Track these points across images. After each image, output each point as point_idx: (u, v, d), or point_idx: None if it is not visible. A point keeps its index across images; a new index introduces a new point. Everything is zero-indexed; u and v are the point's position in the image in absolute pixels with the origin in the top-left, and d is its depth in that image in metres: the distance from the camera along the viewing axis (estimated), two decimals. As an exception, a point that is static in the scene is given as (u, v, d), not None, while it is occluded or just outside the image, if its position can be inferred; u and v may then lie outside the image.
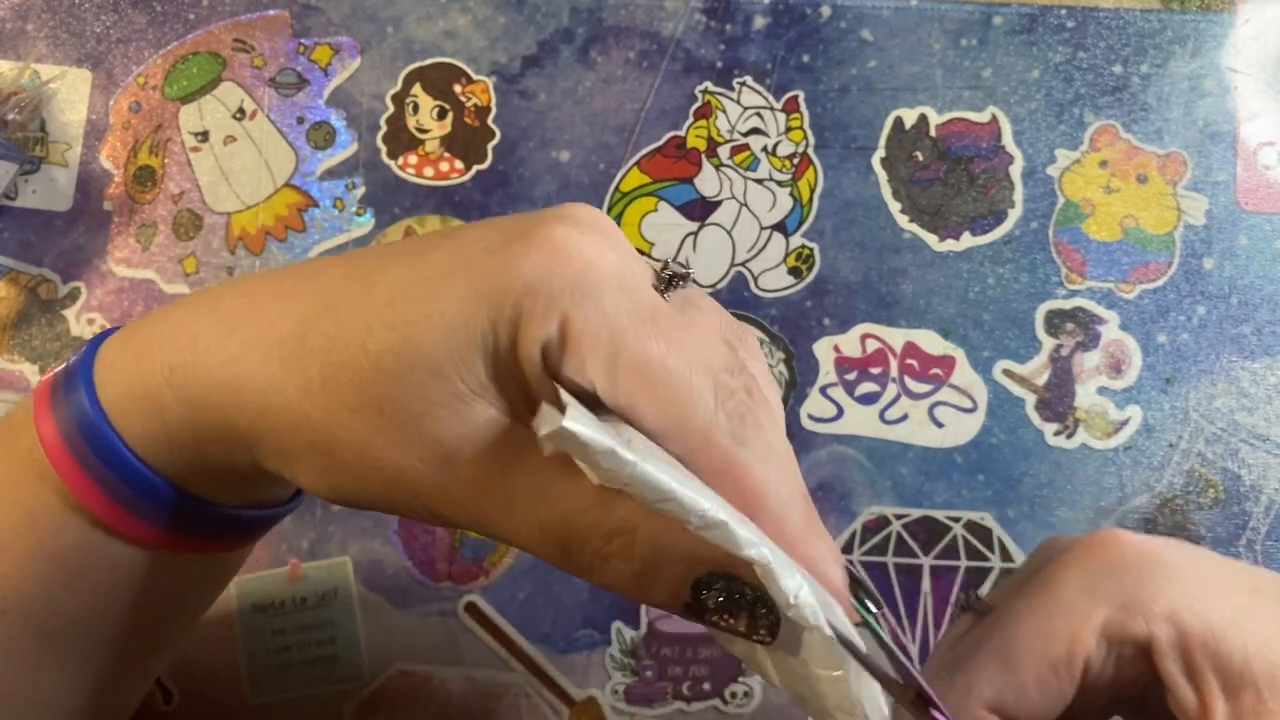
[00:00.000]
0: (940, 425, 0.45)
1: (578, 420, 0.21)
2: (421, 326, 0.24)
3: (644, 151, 0.47)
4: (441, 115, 0.48)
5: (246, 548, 0.31)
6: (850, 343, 0.46)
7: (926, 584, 0.44)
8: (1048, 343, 0.46)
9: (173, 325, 0.26)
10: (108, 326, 0.47)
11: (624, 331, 0.23)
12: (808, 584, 0.22)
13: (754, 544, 0.22)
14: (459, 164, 0.47)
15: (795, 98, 0.47)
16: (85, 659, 0.29)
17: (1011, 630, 0.28)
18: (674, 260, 0.28)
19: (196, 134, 0.48)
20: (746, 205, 0.47)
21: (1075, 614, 0.28)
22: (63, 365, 0.28)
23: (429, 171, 0.47)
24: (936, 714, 0.24)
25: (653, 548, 0.23)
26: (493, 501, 0.24)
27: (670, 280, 0.26)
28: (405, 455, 0.24)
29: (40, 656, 0.28)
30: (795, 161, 0.47)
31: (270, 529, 0.31)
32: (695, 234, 0.47)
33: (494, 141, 0.48)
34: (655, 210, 0.47)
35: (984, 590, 0.44)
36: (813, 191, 0.47)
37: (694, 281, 0.27)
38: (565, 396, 0.23)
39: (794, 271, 0.46)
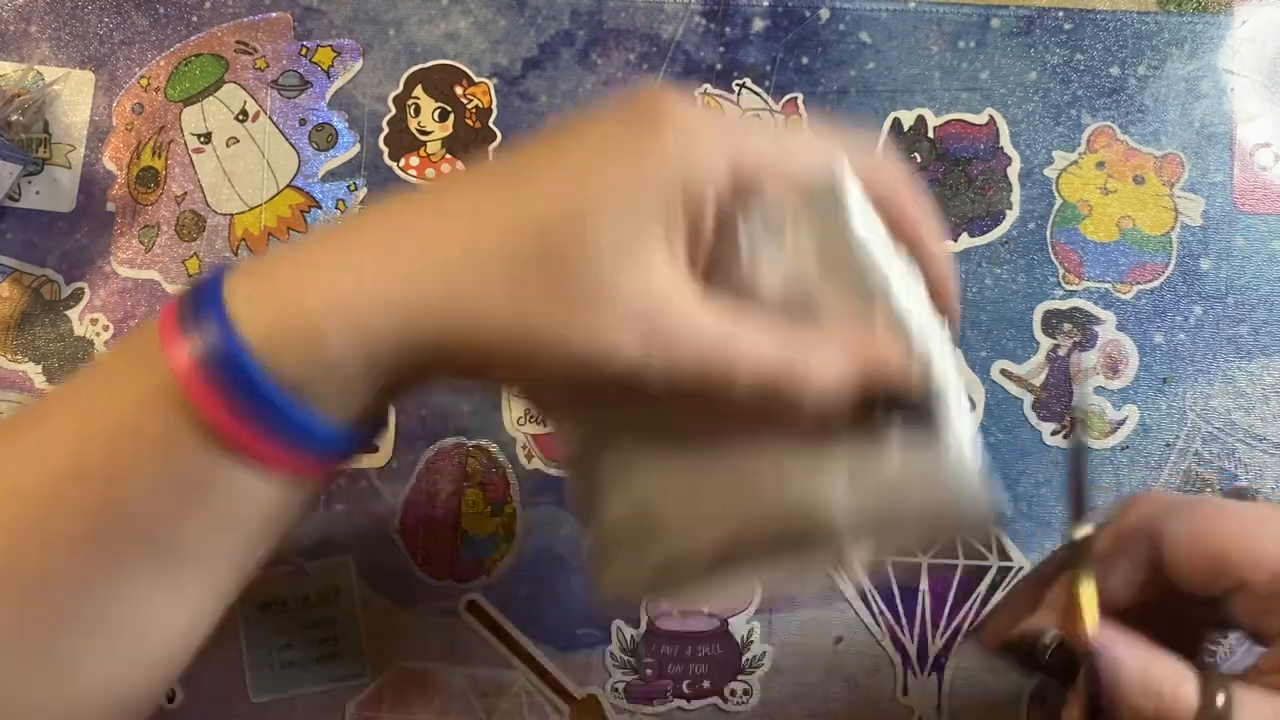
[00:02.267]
0: (938, 425, 0.46)
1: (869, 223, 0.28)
2: (593, 192, 0.26)
3: (644, 153, 0.47)
4: (443, 117, 0.48)
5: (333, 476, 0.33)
6: (849, 343, 0.46)
7: (924, 583, 0.45)
8: (1045, 343, 0.46)
9: (322, 262, 0.27)
10: (111, 327, 0.47)
11: (763, 152, 0.28)
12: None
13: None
14: (460, 165, 0.48)
15: (794, 100, 0.47)
16: (190, 583, 0.30)
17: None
18: None
19: (199, 135, 0.48)
20: (746, 206, 0.47)
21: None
22: (186, 299, 0.28)
23: (430, 173, 0.48)
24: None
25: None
26: (685, 349, 0.27)
27: None
28: (599, 319, 0.26)
29: (151, 577, 0.29)
30: (794, 163, 0.47)
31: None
32: (695, 235, 0.47)
33: (495, 143, 0.48)
34: (655, 211, 0.47)
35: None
36: (812, 192, 0.47)
37: None
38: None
39: (793, 272, 0.47)
